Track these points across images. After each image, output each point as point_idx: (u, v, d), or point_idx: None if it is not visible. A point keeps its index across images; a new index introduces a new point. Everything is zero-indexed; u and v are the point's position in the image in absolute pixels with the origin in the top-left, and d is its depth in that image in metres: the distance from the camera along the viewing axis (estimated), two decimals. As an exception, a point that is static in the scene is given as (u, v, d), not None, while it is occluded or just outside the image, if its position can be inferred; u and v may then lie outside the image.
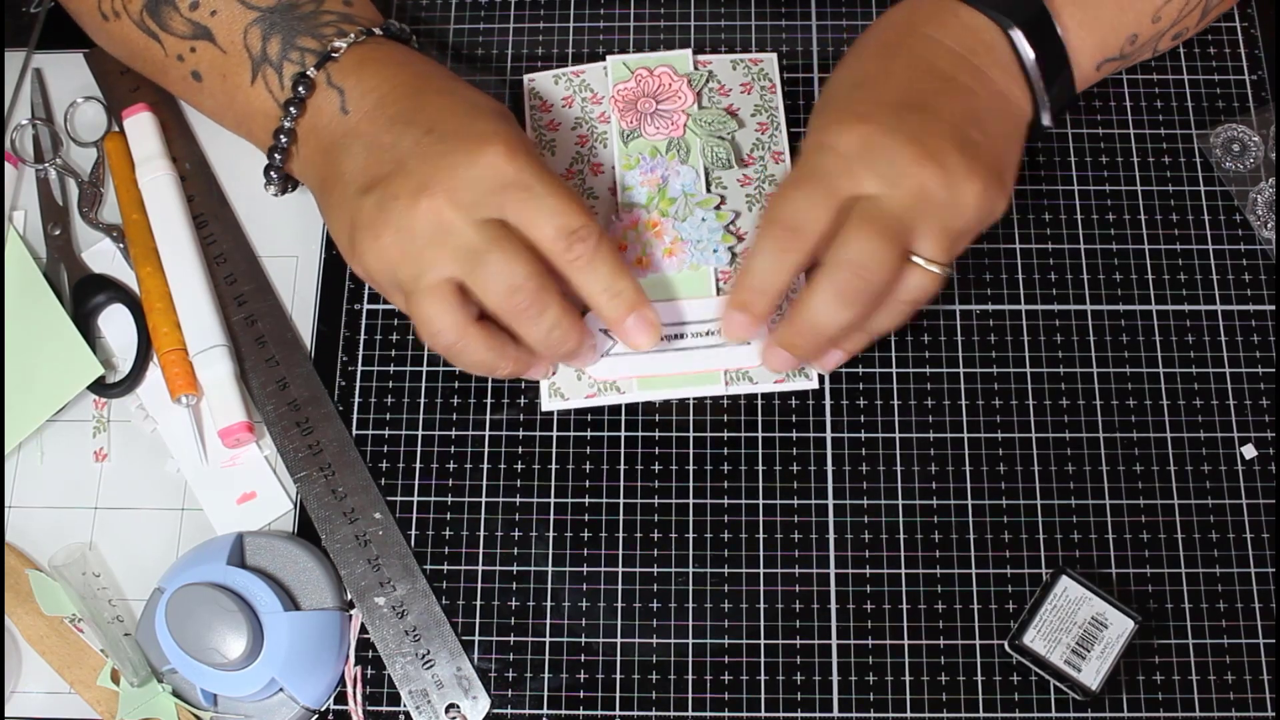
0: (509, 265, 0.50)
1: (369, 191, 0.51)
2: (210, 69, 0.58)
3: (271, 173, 0.57)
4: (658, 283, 0.59)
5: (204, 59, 0.58)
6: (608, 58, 0.63)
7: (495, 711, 0.55)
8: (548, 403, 0.59)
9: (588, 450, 0.59)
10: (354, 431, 0.60)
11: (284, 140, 0.56)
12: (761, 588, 0.57)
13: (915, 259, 0.51)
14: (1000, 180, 0.52)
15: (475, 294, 0.51)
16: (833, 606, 0.56)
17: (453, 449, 0.59)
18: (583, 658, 0.56)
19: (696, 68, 0.64)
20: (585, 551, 0.57)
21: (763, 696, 0.55)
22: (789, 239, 0.51)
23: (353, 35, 0.55)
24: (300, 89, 0.55)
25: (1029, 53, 0.54)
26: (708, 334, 0.58)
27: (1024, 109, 0.55)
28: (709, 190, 0.61)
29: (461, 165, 0.51)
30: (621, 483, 0.58)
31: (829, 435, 0.59)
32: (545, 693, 0.55)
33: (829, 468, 0.58)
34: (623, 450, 0.59)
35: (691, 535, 0.57)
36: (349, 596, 0.57)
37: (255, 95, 0.57)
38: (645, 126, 0.62)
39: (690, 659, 0.56)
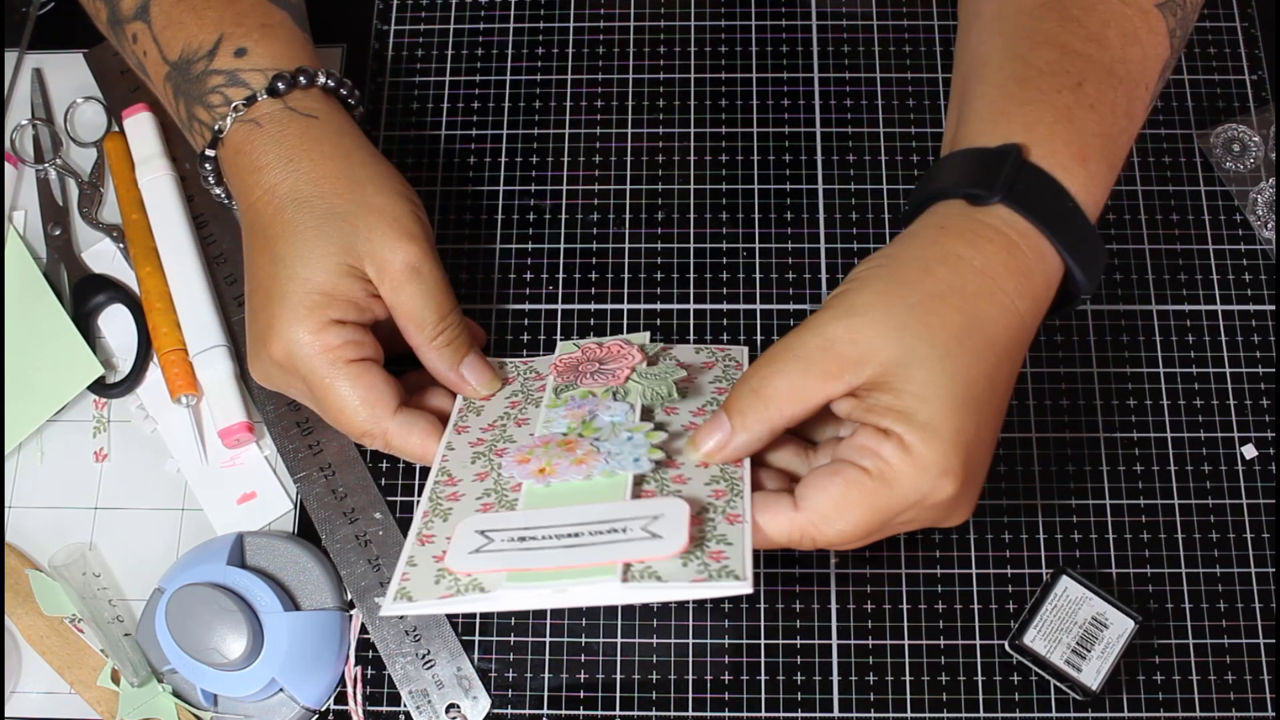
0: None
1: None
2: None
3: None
4: (558, 491, 0.47)
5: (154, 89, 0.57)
6: (558, 342, 0.55)
7: (495, 711, 0.55)
8: (389, 607, 0.44)
9: (588, 450, 0.59)
10: (354, 431, 0.60)
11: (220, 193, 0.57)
12: (762, 588, 0.57)
13: None
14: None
15: None
16: (833, 606, 0.56)
17: (453, 449, 0.59)
18: (583, 658, 0.56)
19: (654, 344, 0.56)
20: (585, 551, 0.57)
21: (763, 696, 0.55)
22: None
23: (230, 116, 0.53)
24: (207, 165, 0.55)
25: (1086, 286, 0.47)
26: (610, 532, 0.44)
27: None
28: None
29: (263, 350, 0.52)
30: (621, 483, 0.58)
31: (829, 435, 0.59)
32: (545, 693, 0.55)
33: (829, 468, 0.58)
34: (623, 450, 0.59)
35: (691, 535, 0.57)
36: (349, 596, 0.57)
37: (194, 142, 0.56)
38: (583, 380, 0.53)
39: (690, 659, 0.56)
